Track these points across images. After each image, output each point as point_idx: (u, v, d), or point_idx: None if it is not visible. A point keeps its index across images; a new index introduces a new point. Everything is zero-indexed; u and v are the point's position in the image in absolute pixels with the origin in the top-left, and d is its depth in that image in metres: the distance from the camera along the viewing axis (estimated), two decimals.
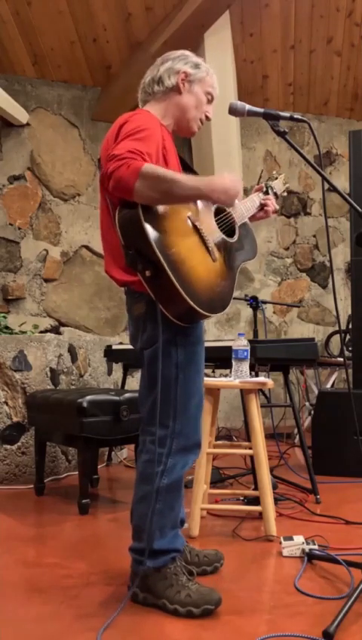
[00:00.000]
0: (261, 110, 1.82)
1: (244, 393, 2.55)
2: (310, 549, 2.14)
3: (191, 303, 1.63)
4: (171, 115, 1.92)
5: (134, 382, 5.04)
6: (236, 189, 1.74)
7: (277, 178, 2.26)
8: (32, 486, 3.22)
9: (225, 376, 2.73)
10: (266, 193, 2.16)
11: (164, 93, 1.90)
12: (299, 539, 2.20)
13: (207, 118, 1.97)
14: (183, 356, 1.77)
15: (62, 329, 5.30)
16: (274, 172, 2.36)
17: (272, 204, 2.16)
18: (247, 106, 1.82)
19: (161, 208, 1.67)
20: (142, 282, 1.68)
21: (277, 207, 2.21)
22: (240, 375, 2.51)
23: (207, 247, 1.79)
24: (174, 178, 1.63)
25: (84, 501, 2.78)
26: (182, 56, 1.94)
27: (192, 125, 1.95)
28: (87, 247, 5.44)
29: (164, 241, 1.64)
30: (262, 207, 2.14)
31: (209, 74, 1.96)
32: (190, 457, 1.82)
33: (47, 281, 5.30)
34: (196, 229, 1.77)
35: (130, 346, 1.94)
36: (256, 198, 2.13)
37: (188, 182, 1.66)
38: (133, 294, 1.81)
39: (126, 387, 3.91)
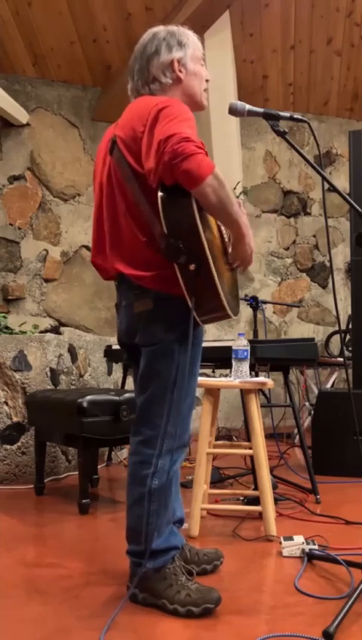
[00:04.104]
0: (261, 110, 1.81)
1: (244, 393, 2.55)
2: (310, 549, 2.14)
3: (225, 302, 1.64)
4: None
5: None
6: (251, 251, 1.77)
7: (235, 188, 2.26)
8: (32, 486, 3.22)
9: (225, 376, 2.73)
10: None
11: (164, 89, 1.84)
12: (299, 539, 2.20)
13: (206, 81, 1.92)
14: (184, 358, 1.76)
15: (62, 329, 5.30)
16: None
17: None
18: (247, 106, 1.81)
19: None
20: (152, 279, 1.68)
21: None
22: (240, 375, 2.51)
23: (225, 249, 1.81)
24: (231, 195, 1.63)
25: (84, 501, 2.78)
26: (159, 41, 1.84)
27: (202, 100, 1.91)
28: (87, 247, 5.44)
29: (209, 237, 1.64)
30: None
31: (190, 39, 1.88)
32: (178, 457, 1.81)
33: (47, 281, 5.30)
34: (219, 231, 1.79)
35: None
36: None
37: (235, 206, 1.65)
38: (136, 289, 1.75)
39: (126, 387, 3.91)
